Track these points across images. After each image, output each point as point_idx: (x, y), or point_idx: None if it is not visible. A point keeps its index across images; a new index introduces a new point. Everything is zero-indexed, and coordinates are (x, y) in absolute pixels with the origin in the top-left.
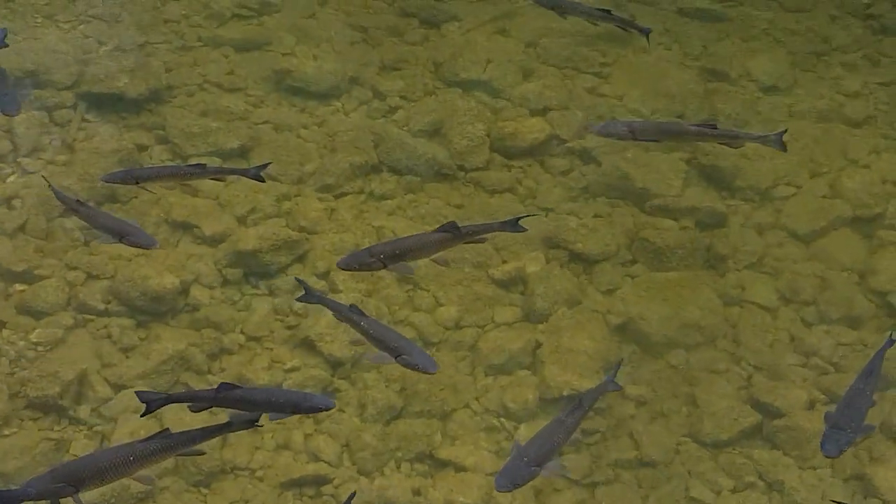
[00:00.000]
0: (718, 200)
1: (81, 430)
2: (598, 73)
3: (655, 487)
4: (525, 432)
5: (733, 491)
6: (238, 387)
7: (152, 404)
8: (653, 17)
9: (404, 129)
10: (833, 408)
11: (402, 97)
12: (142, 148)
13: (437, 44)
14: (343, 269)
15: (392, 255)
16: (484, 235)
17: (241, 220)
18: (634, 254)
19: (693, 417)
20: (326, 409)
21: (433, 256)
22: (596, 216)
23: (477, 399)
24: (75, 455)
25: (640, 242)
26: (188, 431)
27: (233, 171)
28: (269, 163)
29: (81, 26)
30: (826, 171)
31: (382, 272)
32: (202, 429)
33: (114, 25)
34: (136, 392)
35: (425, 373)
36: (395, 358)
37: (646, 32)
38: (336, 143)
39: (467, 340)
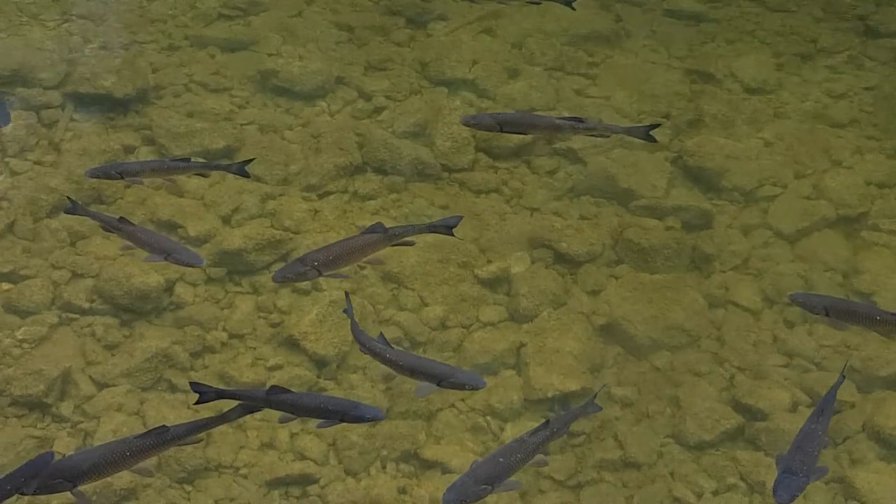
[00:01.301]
0: (704, 201)
1: (65, 428)
2: (584, 74)
3: (639, 488)
4: (510, 432)
5: (715, 493)
6: (287, 391)
7: (204, 396)
8: (640, 19)
9: (389, 129)
10: (812, 424)
11: (387, 97)
12: (129, 149)
13: (422, 43)
14: (278, 283)
15: (326, 262)
16: (412, 237)
17: (226, 220)
18: (619, 254)
19: (676, 419)
20: (375, 420)
21: (366, 258)
22: (581, 217)
23: (462, 399)
24: (60, 452)
25: (625, 243)
26: (184, 424)
27: (217, 167)
28: (253, 158)
29: (66, 24)
30: (810, 172)
31: (367, 270)
32: (198, 420)
33: (100, 24)
34: (190, 382)
35: (475, 389)
36: (439, 384)
37: (567, 2)
38: (321, 143)
39: (453, 340)
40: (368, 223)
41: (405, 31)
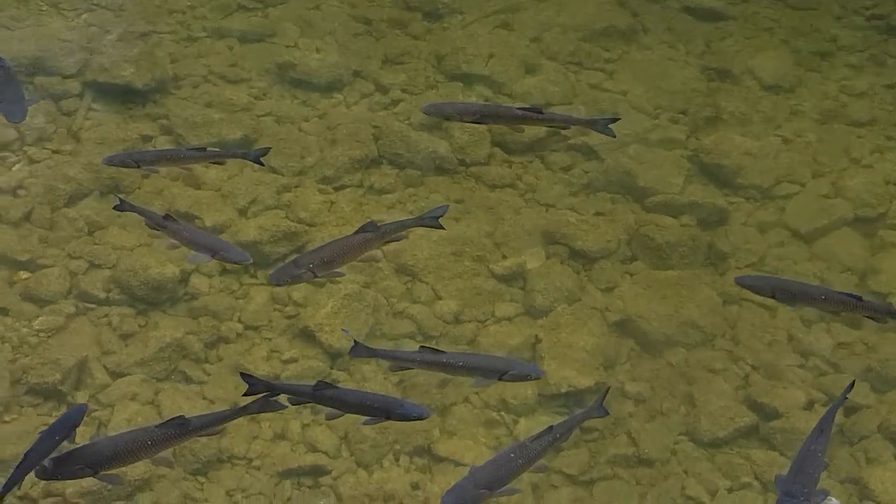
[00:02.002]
0: (720, 198)
1: None
2: (601, 69)
3: (652, 486)
4: (524, 427)
5: (729, 491)
6: (333, 386)
7: (254, 388)
8: (657, 14)
9: (406, 122)
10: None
11: (403, 90)
12: (146, 138)
13: (439, 37)
14: (274, 285)
15: (321, 264)
16: (403, 232)
17: (242, 212)
18: (634, 251)
19: (691, 416)
20: (419, 418)
21: (360, 257)
22: (597, 213)
23: (476, 393)
24: (74, 441)
25: (640, 239)
26: (205, 415)
27: (233, 155)
28: (269, 148)
29: (86, 15)
30: (828, 170)
31: (381, 262)
32: (219, 413)
33: (119, 14)
34: (241, 374)
35: (538, 378)
36: (501, 377)
37: None
38: (337, 135)
39: (467, 335)
40: (385, 217)
41: (422, 25)
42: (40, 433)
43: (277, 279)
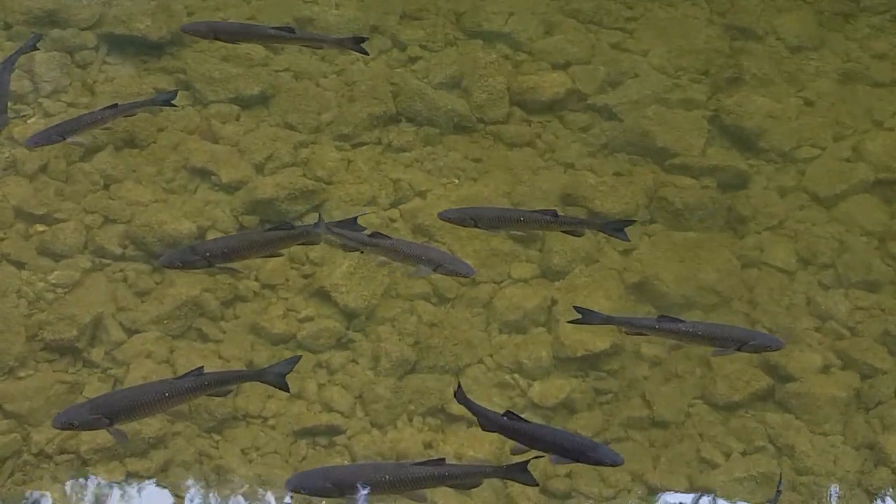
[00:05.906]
0: (741, 160)
1: (95, 374)
2: (622, 28)
3: (666, 448)
4: (538, 390)
5: (743, 454)
6: (523, 420)
7: (465, 403)
8: None
9: (424, 80)
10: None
11: (422, 47)
12: (161, 92)
13: None
14: (166, 267)
15: (217, 254)
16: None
17: (259, 168)
18: (653, 213)
19: (706, 379)
20: (613, 465)
21: (266, 255)
22: (616, 174)
23: (491, 355)
24: (87, 398)
25: (658, 201)
26: (222, 371)
27: (142, 104)
28: (177, 91)
29: None
30: (850, 133)
31: (398, 223)
32: (235, 371)
33: None
34: (455, 392)
35: (778, 349)
36: (740, 348)
37: None
38: (355, 92)
39: (483, 297)
40: (402, 176)
41: None
42: None
43: (169, 261)
